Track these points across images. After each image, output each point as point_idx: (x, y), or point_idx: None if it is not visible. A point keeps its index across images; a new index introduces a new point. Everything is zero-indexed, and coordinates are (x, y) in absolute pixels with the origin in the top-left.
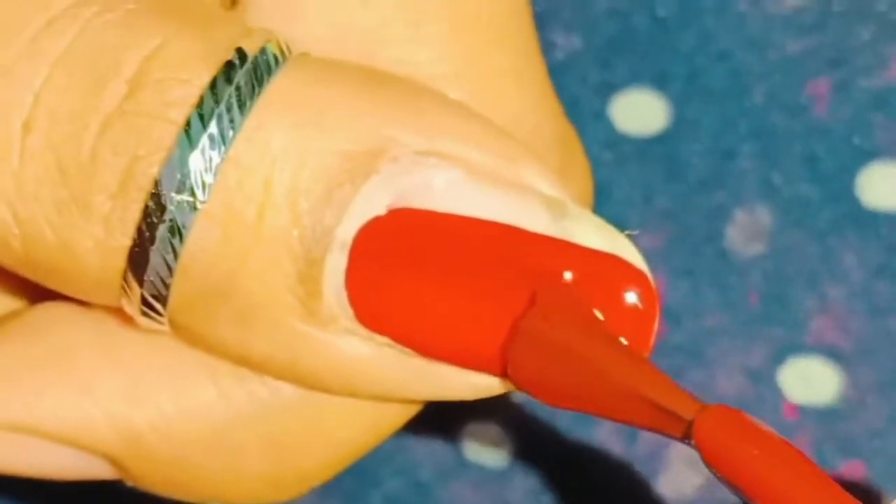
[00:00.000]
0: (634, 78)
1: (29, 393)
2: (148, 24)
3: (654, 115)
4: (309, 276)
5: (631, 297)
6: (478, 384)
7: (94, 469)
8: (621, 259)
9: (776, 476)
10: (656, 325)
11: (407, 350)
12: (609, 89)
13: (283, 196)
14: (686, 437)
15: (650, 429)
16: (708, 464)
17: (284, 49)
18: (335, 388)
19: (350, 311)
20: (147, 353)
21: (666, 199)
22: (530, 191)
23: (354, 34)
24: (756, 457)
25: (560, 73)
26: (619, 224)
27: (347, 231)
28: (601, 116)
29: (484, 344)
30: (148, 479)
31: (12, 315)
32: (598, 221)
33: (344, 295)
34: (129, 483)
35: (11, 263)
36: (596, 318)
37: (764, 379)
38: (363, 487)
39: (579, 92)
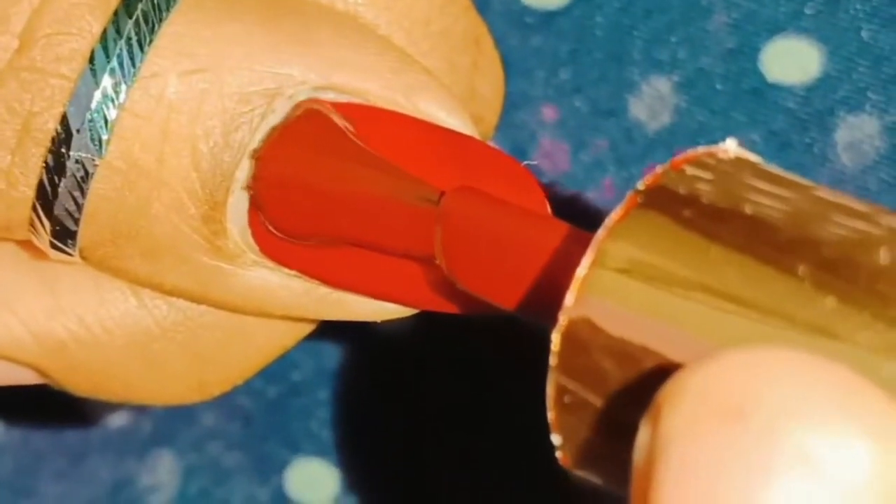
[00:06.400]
0: None
1: None
2: None
3: None
4: (212, 217)
5: None
6: (383, 308)
7: (23, 376)
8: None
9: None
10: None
11: (313, 280)
12: None
13: (182, 142)
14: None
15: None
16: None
17: None
18: (247, 311)
19: (255, 247)
20: (67, 266)
21: (570, 72)
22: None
23: None
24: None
25: None
26: (524, 96)
27: (247, 171)
28: None
29: (385, 277)
30: (73, 385)
31: None
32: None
33: (248, 232)
34: (56, 388)
35: None
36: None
37: None
38: None
39: None
